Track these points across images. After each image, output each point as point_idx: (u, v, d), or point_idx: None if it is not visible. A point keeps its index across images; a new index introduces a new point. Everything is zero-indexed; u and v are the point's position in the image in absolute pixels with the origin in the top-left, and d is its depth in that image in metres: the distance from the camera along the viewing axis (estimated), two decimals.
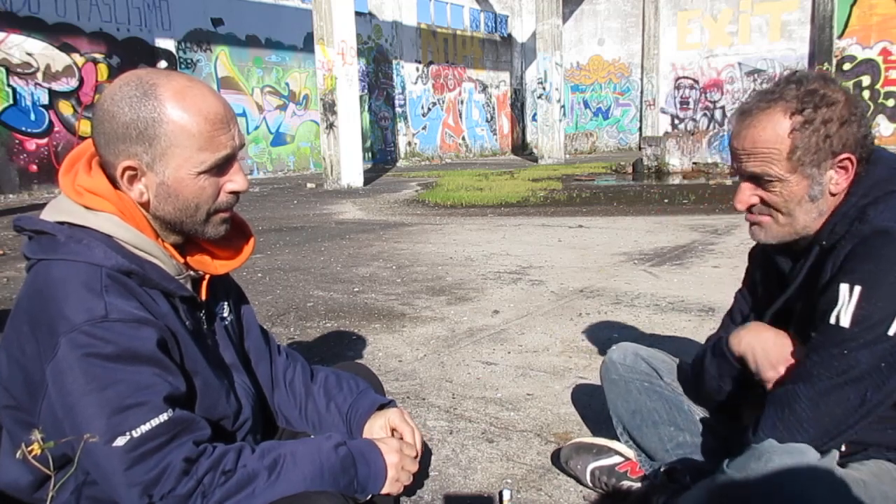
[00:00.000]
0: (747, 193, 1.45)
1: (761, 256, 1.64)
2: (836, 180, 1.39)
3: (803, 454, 1.24)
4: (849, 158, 1.37)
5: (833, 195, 1.40)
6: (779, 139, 1.37)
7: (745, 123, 1.41)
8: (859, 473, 1.32)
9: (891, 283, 1.26)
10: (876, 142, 1.45)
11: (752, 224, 1.49)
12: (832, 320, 1.31)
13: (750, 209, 1.47)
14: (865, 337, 1.27)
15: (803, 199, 1.40)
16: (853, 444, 1.37)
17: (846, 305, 1.29)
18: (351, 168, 12.68)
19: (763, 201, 1.44)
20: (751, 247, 1.71)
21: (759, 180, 1.42)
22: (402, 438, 1.44)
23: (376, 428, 1.47)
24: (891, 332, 1.26)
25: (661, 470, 1.68)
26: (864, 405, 1.29)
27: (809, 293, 1.43)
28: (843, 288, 1.30)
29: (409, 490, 1.35)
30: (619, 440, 1.88)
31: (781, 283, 1.55)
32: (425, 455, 1.57)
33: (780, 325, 1.52)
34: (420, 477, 1.57)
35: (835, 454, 1.30)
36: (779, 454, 1.24)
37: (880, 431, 1.37)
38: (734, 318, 1.74)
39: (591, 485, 1.86)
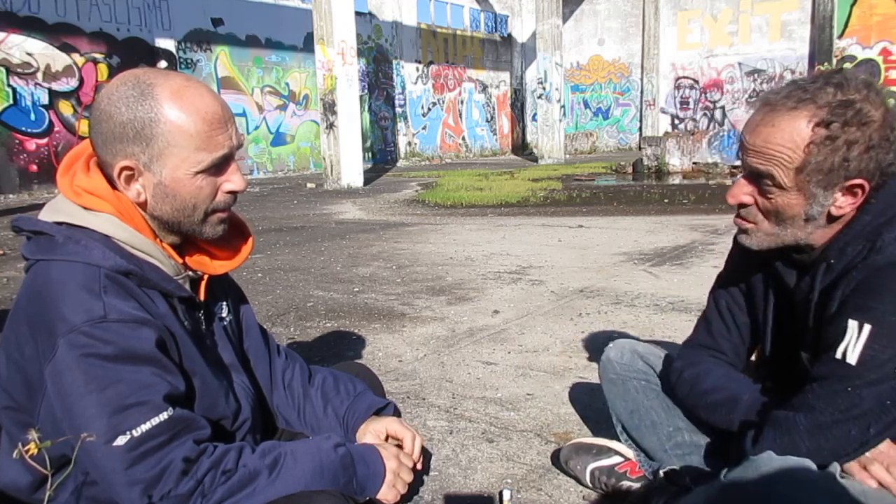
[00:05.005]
0: (743, 190, 1.34)
1: (758, 260, 1.50)
2: (841, 203, 1.28)
3: (802, 464, 1.21)
4: (861, 185, 1.25)
5: (833, 217, 1.29)
6: (793, 147, 1.24)
7: (764, 119, 1.27)
8: (863, 485, 1.27)
9: None
10: None
11: (739, 230, 1.40)
12: (838, 355, 1.24)
13: (739, 210, 1.37)
14: (872, 376, 1.21)
15: (798, 215, 1.30)
16: None
17: (854, 342, 1.22)
18: (351, 168, 12.68)
19: (756, 204, 1.34)
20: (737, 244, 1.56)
21: (758, 180, 1.31)
22: (400, 446, 1.44)
23: (369, 433, 1.46)
24: None
25: (661, 472, 1.68)
26: (864, 437, 1.24)
27: (823, 315, 1.33)
28: (853, 324, 1.22)
29: (406, 497, 1.35)
30: (618, 440, 1.87)
31: (783, 292, 1.47)
32: (425, 458, 1.56)
33: (785, 341, 1.47)
34: (417, 483, 1.56)
35: (836, 465, 1.26)
36: (777, 464, 1.21)
37: None
38: (726, 323, 1.61)
39: (590, 485, 1.86)
